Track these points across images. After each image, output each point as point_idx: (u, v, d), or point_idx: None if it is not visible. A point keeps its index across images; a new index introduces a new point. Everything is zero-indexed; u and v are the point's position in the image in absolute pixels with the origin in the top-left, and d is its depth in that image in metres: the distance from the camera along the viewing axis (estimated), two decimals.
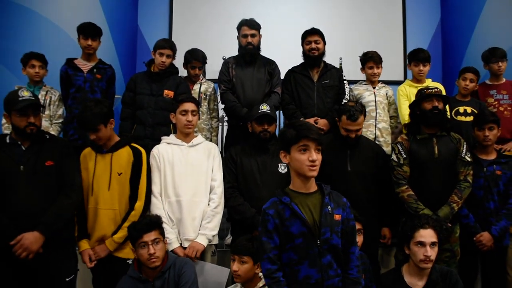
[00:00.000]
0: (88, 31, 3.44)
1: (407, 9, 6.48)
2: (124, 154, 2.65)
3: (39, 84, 3.53)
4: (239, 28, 3.50)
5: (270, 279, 1.88)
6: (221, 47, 3.69)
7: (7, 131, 3.24)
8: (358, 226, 2.46)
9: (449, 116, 3.36)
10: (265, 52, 3.64)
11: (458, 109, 3.53)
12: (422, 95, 2.90)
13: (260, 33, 3.51)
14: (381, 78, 4.88)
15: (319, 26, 3.59)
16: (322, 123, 3.34)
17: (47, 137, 2.52)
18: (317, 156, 1.88)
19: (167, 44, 3.39)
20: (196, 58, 3.64)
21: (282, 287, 1.86)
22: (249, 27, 3.45)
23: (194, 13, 6.42)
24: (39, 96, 3.42)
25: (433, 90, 2.89)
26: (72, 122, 3.36)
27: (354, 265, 1.97)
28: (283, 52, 4.19)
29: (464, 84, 3.59)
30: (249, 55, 3.47)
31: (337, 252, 1.92)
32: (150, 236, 2.27)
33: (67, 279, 2.45)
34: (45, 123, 3.39)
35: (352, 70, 4.21)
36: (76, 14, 4.89)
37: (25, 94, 2.41)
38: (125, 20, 6.05)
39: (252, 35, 3.44)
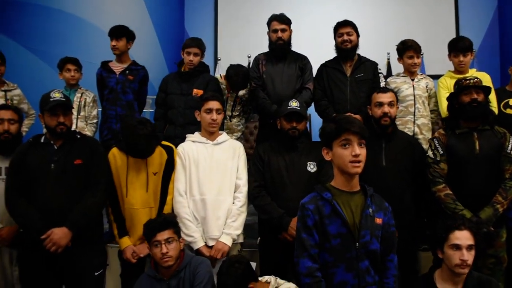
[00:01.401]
0: (112, 32, 3.54)
1: None
2: (157, 154, 2.70)
3: (75, 87, 3.69)
4: (269, 23, 3.44)
5: (311, 278, 1.79)
6: (265, 48, 3.67)
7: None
8: None
9: (495, 109, 3.08)
10: (304, 48, 3.55)
11: (508, 101, 3.23)
12: (460, 87, 2.66)
13: (291, 28, 3.42)
14: (433, 72, 4.61)
15: (365, 20, 3.44)
16: None
17: (78, 136, 2.61)
18: (360, 151, 1.78)
19: (194, 43, 3.39)
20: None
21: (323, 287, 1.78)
22: (279, 22, 3.37)
23: (239, 14, 6.51)
24: (75, 99, 3.59)
25: (471, 81, 2.63)
26: (106, 123, 3.47)
27: (391, 274, 1.88)
28: (320, 47, 4.07)
29: None
30: (280, 50, 3.39)
31: (375, 258, 1.82)
32: (163, 235, 2.28)
33: (95, 274, 2.52)
34: (80, 124, 3.54)
35: (400, 66, 4.03)
36: (123, 20, 5.09)
37: (56, 95, 2.52)
38: (171, 23, 6.24)
39: (282, 30, 3.36)
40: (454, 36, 5.88)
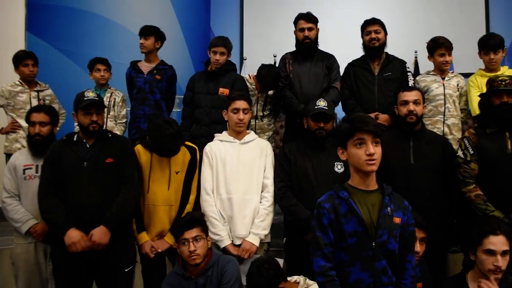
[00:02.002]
0: (142, 30, 3.59)
1: None
2: (180, 153, 2.74)
3: (105, 86, 3.77)
4: (295, 22, 3.43)
5: (324, 277, 1.79)
6: (291, 47, 3.68)
7: None
8: (421, 235, 2.28)
9: None
10: (331, 47, 3.54)
11: None
12: (491, 89, 2.60)
13: (318, 27, 3.40)
14: (462, 70, 4.48)
15: (391, 18, 3.39)
16: (383, 118, 3.15)
17: (109, 135, 2.67)
18: (375, 150, 1.76)
19: (220, 42, 3.40)
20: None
21: (336, 285, 1.77)
22: (306, 21, 3.36)
23: (265, 13, 6.53)
24: (104, 98, 3.65)
25: (503, 83, 2.56)
26: (134, 122, 3.53)
27: (409, 275, 1.84)
28: (347, 46, 4.04)
29: None
30: (306, 49, 3.38)
31: (393, 258, 1.79)
32: (191, 233, 2.30)
33: (126, 270, 2.57)
34: (110, 123, 3.61)
35: (429, 64, 3.96)
36: (149, 20, 5.18)
37: (90, 94, 2.59)
38: (198, 23, 6.29)
39: (309, 29, 3.35)
40: (484, 33, 5.72)
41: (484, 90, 2.85)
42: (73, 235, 2.38)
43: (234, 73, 3.52)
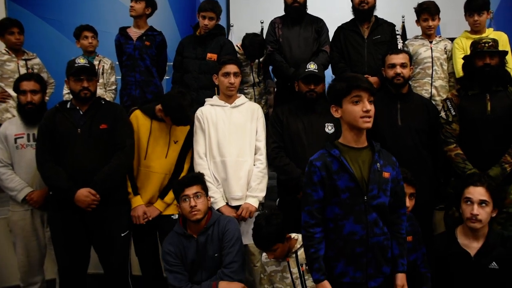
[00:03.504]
0: None
1: None
2: None
3: (92, 54, 3.72)
4: None
5: (305, 232, 1.88)
6: (278, 13, 3.66)
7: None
8: (410, 190, 2.37)
9: (509, 70, 3.05)
10: (320, 11, 3.54)
11: None
12: (474, 51, 2.67)
13: None
14: (449, 35, 4.47)
15: None
16: (372, 80, 3.14)
17: (103, 102, 2.68)
18: (370, 107, 1.81)
19: (209, 6, 3.36)
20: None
21: (314, 242, 1.86)
22: None
23: None
24: None
25: (486, 45, 2.63)
26: (126, 89, 3.52)
27: (404, 226, 1.95)
28: (336, 9, 4.04)
29: None
30: (295, 13, 3.37)
31: (383, 211, 1.87)
32: (191, 190, 2.36)
33: (122, 235, 2.63)
34: (100, 91, 3.58)
35: (416, 29, 3.96)
36: None
37: (81, 61, 2.59)
38: None
39: None
40: None
41: (469, 51, 2.91)
42: (85, 194, 2.44)
43: (223, 37, 3.50)
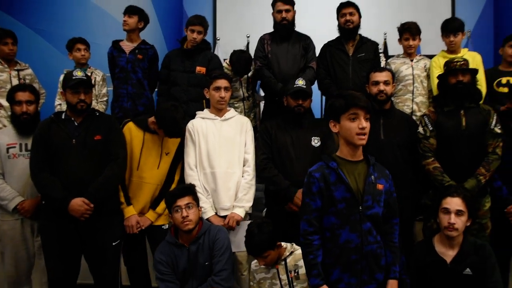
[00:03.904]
0: (126, 9, 3.62)
1: None
2: None
3: (84, 66, 3.77)
4: (273, 4, 3.55)
5: (304, 239, 1.99)
6: (264, 27, 3.79)
7: None
8: None
9: (483, 88, 3.26)
10: (307, 28, 3.68)
11: (501, 80, 3.39)
12: (447, 69, 2.85)
13: (295, 9, 3.53)
14: (429, 52, 4.66)
15: (363, 1, 3.56)
16: None
17: (97, 114, 2.75)
18: (366, 124, 1.93)
19: (198, 21, 3.47)
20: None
21: (312, 249, 1.97)
22: (283, 3, 3.48)
23: None
24: None
25: (458, 64, 2.81)
26: (117, 101, 3.58)
27: (397, 235, 2.08)
28: (322, 27, 4.18)
29: (511, 52, 3.42)
30: (284, 30, 3.51)
31: (377, 221, 1.99)
32: (183, 201, 2.44)
33: (113, 244, 2.68)
34: None
35: (398, 46, 4.16)
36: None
37: (79, 74, 2.65)
38: (170, 2, 6.25)
39: (287, 11, 3.47)
40: (450, 16, 6.02)
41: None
42: (79, 203, 2.49)
43: (210, 52, 3.63)
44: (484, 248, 2.34)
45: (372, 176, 1.99)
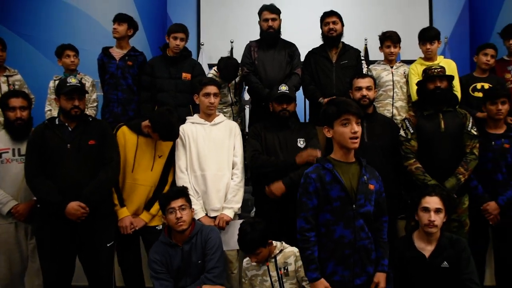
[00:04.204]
0: (116, 17, 3.72)
1: None
2: None
3: (74, 72, 3.83)
4: (260, 13, 3.68)
5: (301, 236, 2.13)
6: (248, 33, 3.91)
7: None
8: None
9: (459, 93, 3.44)
10: (292, 36, 3.83)
11: (476, 86, 3.59)
12: (426, 76, 3.02)
13: (280, 17, 3.67)
14: (407, 57, 4.85)
15: (344, 8, 3.71)
16: None
17: (90, 119, 2.83)
18: (357, 128, 2.08)
19: (180, 28, 3.59)
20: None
21: (310, 244, 2.10)
22: (269, 12, 3.61)
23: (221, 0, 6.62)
24: None
25: (435, 71, 2.99)
26: (108, 106, 3.66)
27: (386, 232, 2.24)
28: (306, 34, 4.32)
29: (485, 59, 3.62)
30: (270, 38, 3.64)
31: (369, 218, 2.15)
32: (177, 203, 2.54)
33: (108, 245, 2.76)
34: None
35: (378, 52, 4.33)
36: (108, 5, 5.22)
37: (72, 81, 2.73)
38: (154, 8, 6.32)
39: (273, 19, 3.60)
40: (427, 23, 6.25)
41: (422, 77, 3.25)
42: (75, 207, 2.57)
43: (192, 59, 3.77)
44: (459, 242, 2.51)
45: (365, 177, 2.15)
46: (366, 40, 6.12)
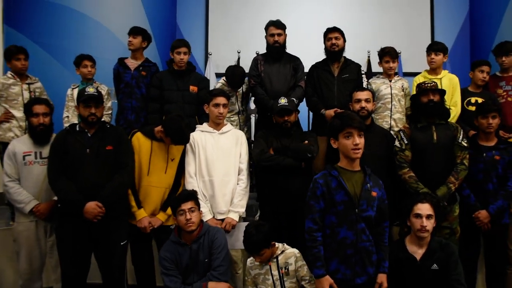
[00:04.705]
0: (131, 30, 3.97)
1: (435, 1, 6.64)
2: None
3: (90, 81, 4.06)
4: (266, 28, 3.90)
5: (309, 236, 2.34)
6: (254, 43, 4.10)
7: (66, 124, 3.82)
8: None
9: (454, 108, 3.64)
10: (296, 49, 4.03)
11: (470, 100, 3.79)
12: (419, 90, 3.22)
13: (286, 32, 3.88)
14: (409, 70, 5.02)
15: (347, 22, 3.89)
16: (328, 114, 3.64)
17: (108, 126, 3.06)
18: (359, 140, 2.29)
19: (182, 43, 3.83)
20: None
21: (317, 244, 2.31)
22: (275, 27, 3.83)
23: (229, 11, 6.83)
24: None
25: (428, 85, 3.19)
26: (122, 114, 3.89)
27: (387, 236, 2.43)
28: (310, 49, 4.53)
29: (482, 76, 3.83)
30: (276, 52, 3.86)
31: (370, 222, 2.34)
32: (187, 205, 2.74)
33: (121, 243, 2.98)
34: None
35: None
36: (121, 16, 5.46)
37: (90, 90, 2.97)
38: (165, 19, 6.57)
39: (279, 34, 3.82)
40: (429, 37, 6.47)
41: None
42: (93, 206, 2.78)
43: (197, 73, 4.01)
44: (448, 246, 2.70)
45: (368, 184, 2.35)
46: (369, 52, 6.32)
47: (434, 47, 3.86)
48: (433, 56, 3.83)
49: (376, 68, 5.45)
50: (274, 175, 3.20)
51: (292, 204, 3.13)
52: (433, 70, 3.87)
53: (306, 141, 3.26)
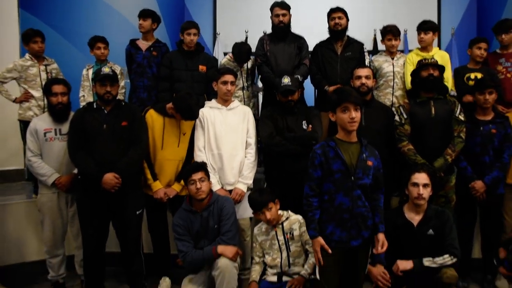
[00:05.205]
0: (140, 13, 4.13)
1: None
2: None
3: (104, 62, 4.23)
4: (271, 9, 4.02)
5: (306, 200, 2.51)
6: (261, 23, 4.19)
7: (83, 103, 4.05)
8: None
9: (449, 84, 3.76)
10: (301, 29, 4.17)
11: (469, 75, 3.89)
12: (420, 65, 3.33)
13: (290, 12, 4.01)
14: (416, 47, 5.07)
15: (356, 2, 3.88)
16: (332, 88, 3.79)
17: (123, 104, 3.25)
18: (355, 114, 2.43)
19: (192, 25, 3.98)
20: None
21: (312, 208, 2.48)
22: (280, 8, 3.96)
23: None
24: None
25: (429, 61, 3.31)
26: (135, 92, 4.07)
27: (382, 201, 2.59)
28: (314, 28, 4.64)
29: (479, 53, 3.89)
30: (281, 32, 3.99)
31: (365, 189, 2.50)
32: (197, 175, 2.94)
33: (137, 212, 3.19)
34: None
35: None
36: None
37: (106, 70, 3.14)
38: (173, 0, 6.67)
39: (283, 15, 3.95)
40: (435, 15, 6.48)
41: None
42: (110, 177, 2.98)
43: (206, 53, 4.16)
44: (443, 213, 2.87)
45: (364, 154, 2.50)
46: (375, 30, 6.36)
47: (424, 26, 3.92)
48: (422, 35, 3.91)
49: (382, 45, 5.55)
50: (281, 158, 3.35)
51: (300, 188, 3.25)
52: (424, 48, 3.96)
53: (310, 126, 3.39)
